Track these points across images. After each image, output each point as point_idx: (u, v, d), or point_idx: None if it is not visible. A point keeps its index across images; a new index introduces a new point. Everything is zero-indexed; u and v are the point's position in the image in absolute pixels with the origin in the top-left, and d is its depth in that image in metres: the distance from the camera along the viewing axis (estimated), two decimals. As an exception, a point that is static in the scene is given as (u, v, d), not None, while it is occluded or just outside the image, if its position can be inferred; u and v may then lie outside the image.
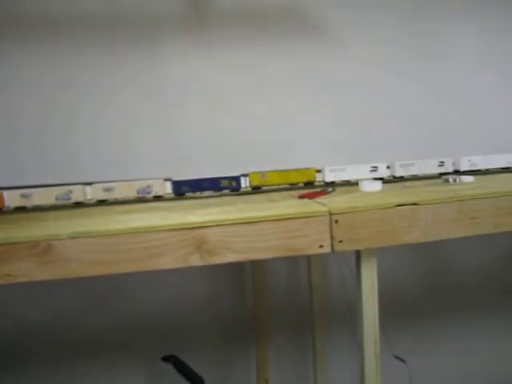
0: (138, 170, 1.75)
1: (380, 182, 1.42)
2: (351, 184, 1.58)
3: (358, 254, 1.19)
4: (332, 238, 1.10)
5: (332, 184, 1.57)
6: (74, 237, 1.02)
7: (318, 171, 1.60)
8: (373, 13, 1.94)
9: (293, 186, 1.58)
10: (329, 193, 1.39)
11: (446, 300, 2.02)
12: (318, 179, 1.60)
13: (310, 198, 1.30)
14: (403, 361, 1.72)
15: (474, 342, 2.03)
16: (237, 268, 1.91)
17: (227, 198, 1.47)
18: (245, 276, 1.93)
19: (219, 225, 1.07)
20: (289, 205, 1.22)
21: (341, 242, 1.11)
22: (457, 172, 1.65)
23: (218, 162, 1.82)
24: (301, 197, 1.32)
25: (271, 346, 1.92)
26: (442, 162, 1.62)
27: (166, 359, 1.64)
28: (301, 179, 1.58)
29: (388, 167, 1.61)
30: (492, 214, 1.19)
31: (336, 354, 1.97)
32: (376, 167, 1.57)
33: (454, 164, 1.65)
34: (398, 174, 1.61)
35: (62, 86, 1.77)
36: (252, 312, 1.91)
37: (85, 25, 1.76)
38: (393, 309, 1.88)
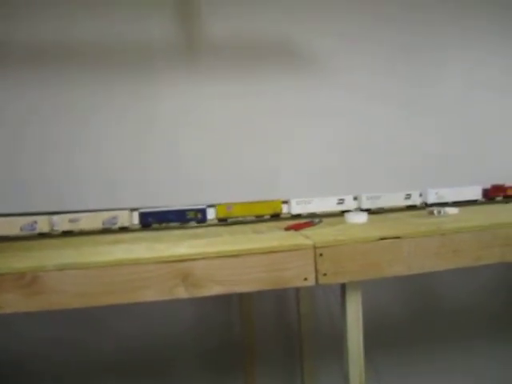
0: (127, 197, 1.76)
1: (365, 213, 1.43)
2: (333, 215, 1.58)
3: (343, 287, 1.20)
4: (316, 271, 1.12)
5: (298, 216, 1.57)
6: (60, 268, 1.03)
7: (285, 202, 1.59)
8: (362, 43, 1.98)
9: (259, 219, 1.57)
10: (315, 224, 1.40)
11: (435, 331, 2.02)
12: (284, 211, 1.60)
13: (296, 230, 1.31)
14: (390, 392, 1.72)
15: (461, 373, 2.04)
16: (224, 296, 1.90)
17: (213, 229, 1.48)
18: (232, 304, 1.92)
19: (204, 258, 1.08)
20: (274, 237, 1.23)
21: (325, 275, 1.13)
22: (430, 204, 1.66)
23: (208, 189, 1.84)
24: (287, 228, 1.34)
25: (260, 378, 1.91)
26: (409, 195, 1.63)
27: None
28: (266, 211, 1.57)
29: (355, 199, 1.61)
30: (474, 248, 1.21)
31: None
32: (343, 200, 1.57)
33: (421, 196, 1.66)
34: (365, 206, 1.61)
35: (54, 114, 1.79)
36: (240, 342, 1.90)
37: (79, 54, 1.79)
38: (382, 340, 1.89)
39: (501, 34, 2.13)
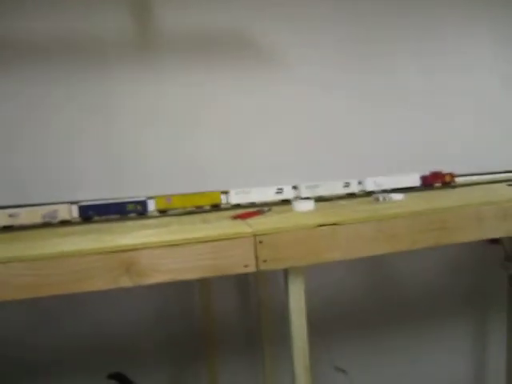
0: (81, 186, 1.79)
1: (312, 201, 1.48)
2: (283, 204, 1.62)
3: (286, 273, 1.25)
4: (256, 257, 1.16)
5: (238, 206, 1.59)
6: (3, 261, 1.05)
7: (224, 193, 1.62)
8: (315, 36, 2.01)
9: (199, 209, 1.59)
10: (264, 213, 1.44)
11: (392, 312, 2.08)
12: (224, 202, 1.62)
13: (243, 219, 1.35)
14: (344, 371, 1.78)
15: (417, 353, 2.11)
16: (184, 284, 1.93)
17: (164, 219, 1.50)
18: (192, 291, 1.95)
19: (147, 247, 1.11)
20: (217, 226, 1.27)
21: (265, 261, 1.17)
22: (375, 192, 1.68)
23: (160, 179, 1.86)
24: (234, 217, 1.38)
25: (222, 365, 1.96)
26: (348, 183, 1.66)
27: (112, 377, 1.67)
28: (206, 202, 1.60)
29: (295, 188, 1.64)
30: (410, 232, 1.26)
31: (287, 369, 1.99)
32: (281, 189, 1.60)
33: (360, 184, 1.70)
34: (304, 195, 1.62)
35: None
36: (202, 328, 1.94)
37: (36, 48, 1.80)
38: (338, 321, 1.94)
39: (452, 25, 2.17)
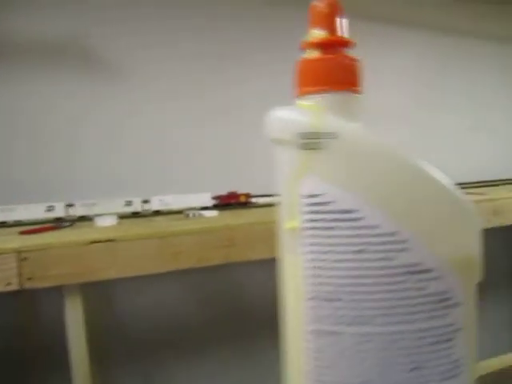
0: None
1: (114, 217, 1.44)
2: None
3: (60, 292, 1.20)
4: (20, 275, 1.11)
5: (4, 224, 1.49)
6: None
7: None
8: (162, 50, 1.99)
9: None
10: (61, 228, 1.39)
11: (224, 331, 2.06)
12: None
13: (30, 234, 1.30)
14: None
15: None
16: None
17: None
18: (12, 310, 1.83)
19: None
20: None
21: (30, 279, 1.12)
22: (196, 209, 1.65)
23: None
24: (23, 232, 1.32)
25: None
26: (130, 202, 1.61)
27: None
28: None
29: (70, 206, 1.56)
30: (195, 249, 1.26)
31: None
32: (53, 207, 1.52)
33: (147, 203, 1.64)
34: (80, 213, 1.54)
35: None
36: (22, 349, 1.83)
37: None
38: (159, 342, 1.89)
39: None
